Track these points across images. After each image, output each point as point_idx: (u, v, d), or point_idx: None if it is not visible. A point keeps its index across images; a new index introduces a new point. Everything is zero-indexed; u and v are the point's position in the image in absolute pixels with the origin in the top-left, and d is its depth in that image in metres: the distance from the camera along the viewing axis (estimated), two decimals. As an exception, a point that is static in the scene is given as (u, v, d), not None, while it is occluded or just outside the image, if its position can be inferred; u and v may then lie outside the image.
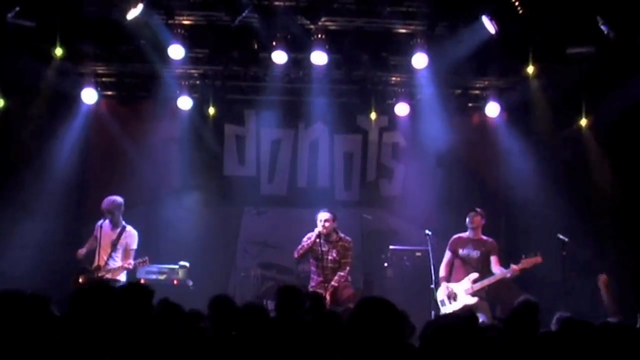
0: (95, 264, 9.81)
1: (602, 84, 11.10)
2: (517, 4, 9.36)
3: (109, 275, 9.64)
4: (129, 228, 9.97)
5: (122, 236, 9.88)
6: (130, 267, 9.78)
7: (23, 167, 11.35)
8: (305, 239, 9.82)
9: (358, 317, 3.77)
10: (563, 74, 11.26)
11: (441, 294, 9.68)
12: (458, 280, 9.78)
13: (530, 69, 10.68)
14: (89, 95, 11.42)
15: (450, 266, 9.85)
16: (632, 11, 9.41)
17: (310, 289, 9.55)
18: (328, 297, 9.40)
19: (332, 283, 9.60)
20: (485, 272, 9.73)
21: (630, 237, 10.96)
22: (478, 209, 9.98)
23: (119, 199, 10.02)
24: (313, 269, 9.86)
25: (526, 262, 9.57)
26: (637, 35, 9.91)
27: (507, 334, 5.35)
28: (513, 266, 9.58)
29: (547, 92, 11.27)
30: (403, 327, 3.91)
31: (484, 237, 9.94)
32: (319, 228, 9.66)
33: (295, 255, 9.90)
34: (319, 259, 9.67)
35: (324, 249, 9.63)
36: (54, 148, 11.48)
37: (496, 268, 9.70)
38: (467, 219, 9.92)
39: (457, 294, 9.64)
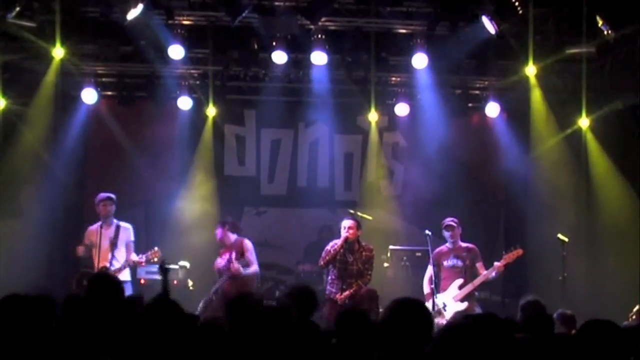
0: (98, 266, 9.73)
1: (602, 84, 11.10)
2: (517, 4, 9.37)
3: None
4: (122, 224, 9.93)
5: (119, 233, 9.84)
6: (143, 262, 9.70)
7: (23, 167, 11.33)
8: (329, 246, 9.49)
9: (392, 317, 3.76)
10: (563, 74, 11.28)
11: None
12: (445, 289, 9.78)
13: (530, 69, 10.69)
14: (89, 95, 11.41)
15: (433, 280, 9.70)
16: (632, 11, 9.41)
17: (330, 294, 9.42)
18: (349, 293, 9.27)
19: (359, 282, 9.33)
20: (471, 278, 9.77)
21: (631, 237, 10.95)
22: (452, 221, 9.92)
23: (111, 194, 10.01)
24: (333, 277, 9.47)
25: (508, 257, 9.69)
26: (637, 35, 9.92)
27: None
28: (496, 264, 9.69)
29: (547, 92, 11.27)
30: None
31: (464, 245, 9.96)
32: (344, 234, 9.35)
33: (321, 263, 9.50)
34: (344, 269, 9.35)
35: (349, 259, 9.38)
36: (54, 148, 11.47)
37: (482, 272, 9.78)
38: (446, 233, 9.90)
39: (445, 304, 9.64)
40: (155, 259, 9.70)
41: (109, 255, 9.72)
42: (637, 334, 4.58)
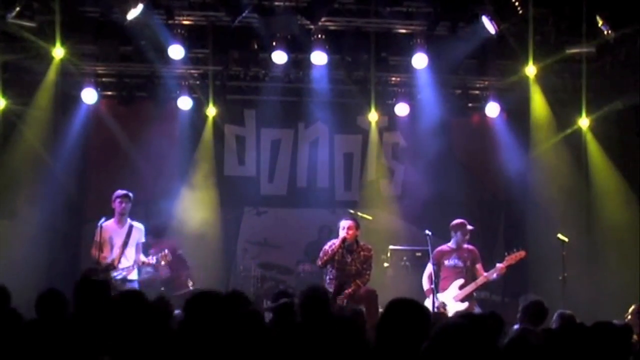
0: (105, 263, 9.68)
1: (602, 84, 11.11)
2: (517, 4, 9.38)
3: (124, 274, 9.60)
4: (135, 224, 9.93)
5: (132, 232, 9.82)
6: (153, 262, 9.72)
7: (23, 167, 11.34)
8: (327, 246, 9.52)
9: (388, 318, 3.75)
10: (563, 74, 11.28)
11: (429, 306, 9.57)
12: (445, 288, 9.79)
13: (530, 69, 10.69)
14: (89, 95, 11.40)
15: (433, 278, 9.70)
16: (632, 11, 9.41)
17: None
18: (348, 293, 9.25)
19: (358, 282, 9.34)
20: (471, 279, 9.81)
21: (631, 237, 10.95)
22: (466, 223, 9.96)
23: (129, 192, 9.98)
24: (331, 277, 9.46)
25: (510, 259, 9.71)
26: (637, 35, 9.92)
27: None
28: (499, 265, 9.72)
29: (547, 92, 11.28)
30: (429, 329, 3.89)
31: (465, 246, 9.97)
32: (342, 234, 9.38)
33: (319, 263, 9.51)
34: (342, 269, 9.37)
35: (347, 259, 9.40)
36: (54, 148, 11.47)
37: (481, 273, 9.82)
38: (459, 234, 9.89)
39: (445, 304, 9.64)
40: (164, 262, 9.76)
41: (119, 254, 9.71)
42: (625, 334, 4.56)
